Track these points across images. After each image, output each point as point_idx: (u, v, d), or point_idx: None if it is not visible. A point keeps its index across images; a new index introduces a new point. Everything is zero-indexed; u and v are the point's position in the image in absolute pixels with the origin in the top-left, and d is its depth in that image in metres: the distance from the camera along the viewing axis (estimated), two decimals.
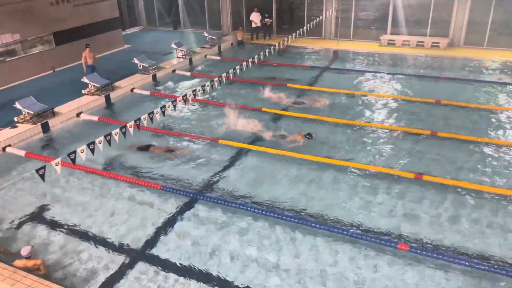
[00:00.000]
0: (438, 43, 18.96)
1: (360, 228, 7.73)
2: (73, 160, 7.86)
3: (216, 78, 12.30)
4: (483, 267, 6.68)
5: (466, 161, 9.92)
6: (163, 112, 10.21)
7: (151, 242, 7.62)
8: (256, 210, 8.22)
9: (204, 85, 11.82)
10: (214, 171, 9.84)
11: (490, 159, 9.98)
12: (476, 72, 16.37)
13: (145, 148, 10.88)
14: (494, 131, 11.37)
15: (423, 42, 19.26)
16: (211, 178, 9.57)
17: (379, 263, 6.94)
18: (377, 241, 7.31)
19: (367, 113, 12.77)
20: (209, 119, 12.66)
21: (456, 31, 19.11)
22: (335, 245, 7.35)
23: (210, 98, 14.23)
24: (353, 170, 9.62)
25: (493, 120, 12.05)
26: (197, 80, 16.23)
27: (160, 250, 7.42)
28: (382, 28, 20.49)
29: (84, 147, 8.06)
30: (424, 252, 7.01)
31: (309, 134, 11.16)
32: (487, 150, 10.38)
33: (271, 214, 8.08)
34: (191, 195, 8.83)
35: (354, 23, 21.01)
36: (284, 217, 7.98)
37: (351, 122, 12.07)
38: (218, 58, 19.25)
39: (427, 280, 6.57)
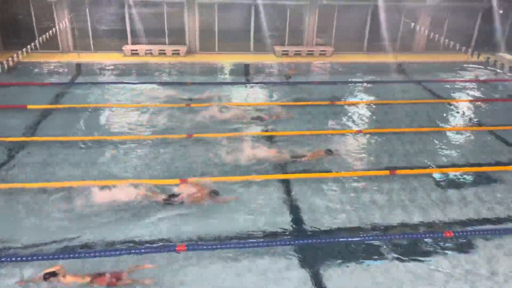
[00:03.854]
0: (178, 50, 20.33)
1: None
2: None
3: None
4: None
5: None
6: None
7: None
8: None
9: None
10: None
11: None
12: (214, 74, 18.38)
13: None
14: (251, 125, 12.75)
15: (164, 50, 20.27)
16: None
17: None
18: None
19: (118, 125, 12.56)
20: None
21: (191, 39, 20.95)
22: None
23: None
24: None
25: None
26: None
27: None
28: (123, 39, 20.49)
29: None
30: None
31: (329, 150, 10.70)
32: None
33: None
34: None
35: (93, 34, 20.25)
36: None
37: (117, 138, 11.68)
38: None
39: None
